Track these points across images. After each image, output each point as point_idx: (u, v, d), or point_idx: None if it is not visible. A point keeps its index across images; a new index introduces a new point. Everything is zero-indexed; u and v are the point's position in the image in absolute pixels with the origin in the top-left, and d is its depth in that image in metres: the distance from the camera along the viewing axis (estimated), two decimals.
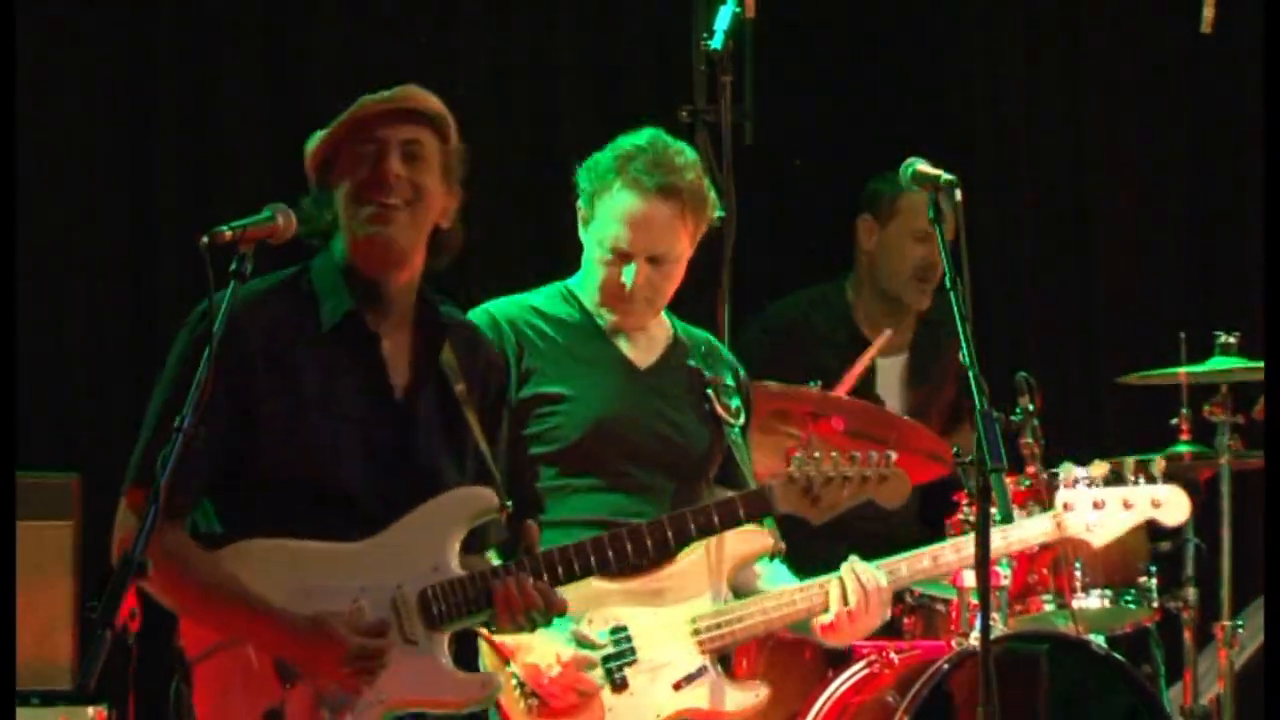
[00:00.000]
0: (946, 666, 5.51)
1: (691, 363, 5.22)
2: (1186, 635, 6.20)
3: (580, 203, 5.16)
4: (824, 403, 5.89)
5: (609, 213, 5.08)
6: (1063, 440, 6.17)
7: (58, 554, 5.67)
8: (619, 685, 4.91)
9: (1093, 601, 5.92)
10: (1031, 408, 5.97)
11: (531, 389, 5.08)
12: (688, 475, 5.15)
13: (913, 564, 5.29)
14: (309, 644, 4.17)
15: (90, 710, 5.58)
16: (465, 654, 4.43)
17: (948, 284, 4.63)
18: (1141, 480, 5.62)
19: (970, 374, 4.56)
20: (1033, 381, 5.99)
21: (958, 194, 4.75)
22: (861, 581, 5.09)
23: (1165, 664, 6.18)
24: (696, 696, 4.97)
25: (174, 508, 4.15)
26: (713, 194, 5.17)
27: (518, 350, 5.09)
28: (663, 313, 5.25)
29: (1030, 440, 5.95)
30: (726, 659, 5.11)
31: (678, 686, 4.96)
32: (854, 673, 5.71)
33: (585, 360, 5.13)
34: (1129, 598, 5.96)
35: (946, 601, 5.97)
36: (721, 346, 5.35)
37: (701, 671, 4.98)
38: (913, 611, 6.04)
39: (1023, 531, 5.53)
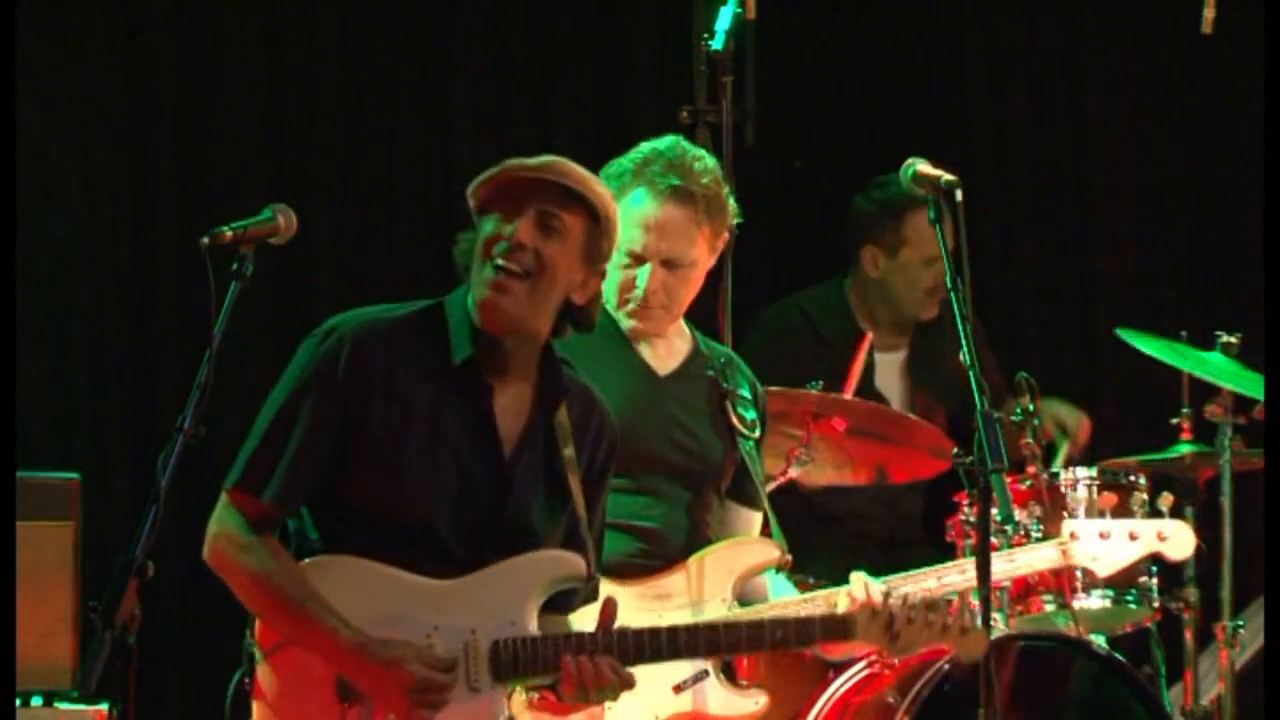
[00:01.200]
0: (946, 667, 5.52)
1: (710, 373, 5.21)
2: (1187, 636, 6.19)
3: None
4: (825, 403, 5.88)
5: (625, 216, 5.05)
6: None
7: (58, 554, 5.65)
8: None
9: (1093, 601, 5.91)
10: (1032, 408, 5.96)
11: None
12: (701, 484, 5.15)
13: (916, 583, 5.28)
14: (376, 668, 4.18)
15: (90, 710, 5.56)
16: None
17: (948, 283, 4.62)
18: (1140, 503, 5.66)
19: (970, 374, 4.56)
20: (1033, 382, 5.98)
21: (958, 194, 4.74)
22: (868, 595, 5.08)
23: (1166, 664, 6.18)
24: (695, 700, 4.96)
25: (271, 517, 4.24)
26: (731, 202, 5.16)
27: None
28: (684, 323, 5.24)
29: (1030, 441, 5.95)
30: (729, 664, 5.10)
31: (678, 689, 4.95)
32: (854, 673, 5.71)
33: (606, 363, 5.10)
34: (1129, 598, 5.96)
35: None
36: (741, 361, 5.32)
37: (702, 675, 4.97)
38: None
39: (1029, 558, 5.56)
